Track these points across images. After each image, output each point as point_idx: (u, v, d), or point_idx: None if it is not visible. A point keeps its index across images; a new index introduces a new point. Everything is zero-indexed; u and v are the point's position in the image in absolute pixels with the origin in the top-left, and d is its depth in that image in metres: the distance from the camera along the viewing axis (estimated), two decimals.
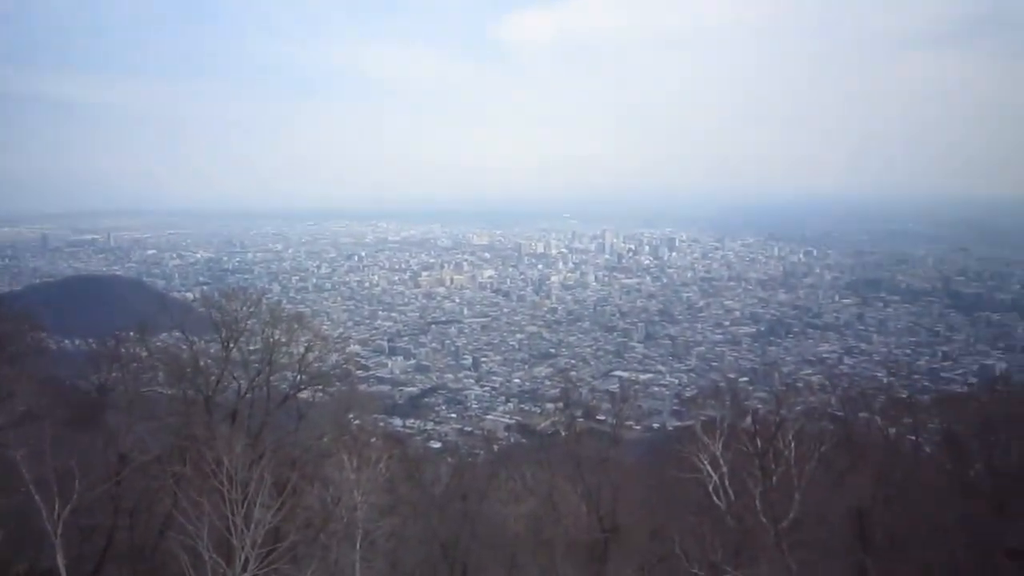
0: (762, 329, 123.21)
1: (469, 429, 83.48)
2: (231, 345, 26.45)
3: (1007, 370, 65.86)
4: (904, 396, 27.75)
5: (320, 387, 28.37)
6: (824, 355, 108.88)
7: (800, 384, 30.55)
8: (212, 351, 27.61)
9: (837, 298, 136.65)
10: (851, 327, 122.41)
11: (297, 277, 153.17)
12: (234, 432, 21.87)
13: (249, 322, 27.27)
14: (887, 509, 19.63)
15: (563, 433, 32.24)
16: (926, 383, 78.03)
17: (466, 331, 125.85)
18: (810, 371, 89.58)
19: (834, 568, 18.89)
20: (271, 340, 26.83)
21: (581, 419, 32.88)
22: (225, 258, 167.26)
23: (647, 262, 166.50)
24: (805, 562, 19.13)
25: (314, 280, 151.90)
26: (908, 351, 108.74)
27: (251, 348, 27.39)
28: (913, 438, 25.45)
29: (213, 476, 16.12)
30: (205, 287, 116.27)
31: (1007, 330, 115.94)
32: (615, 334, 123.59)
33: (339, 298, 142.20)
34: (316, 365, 27.70)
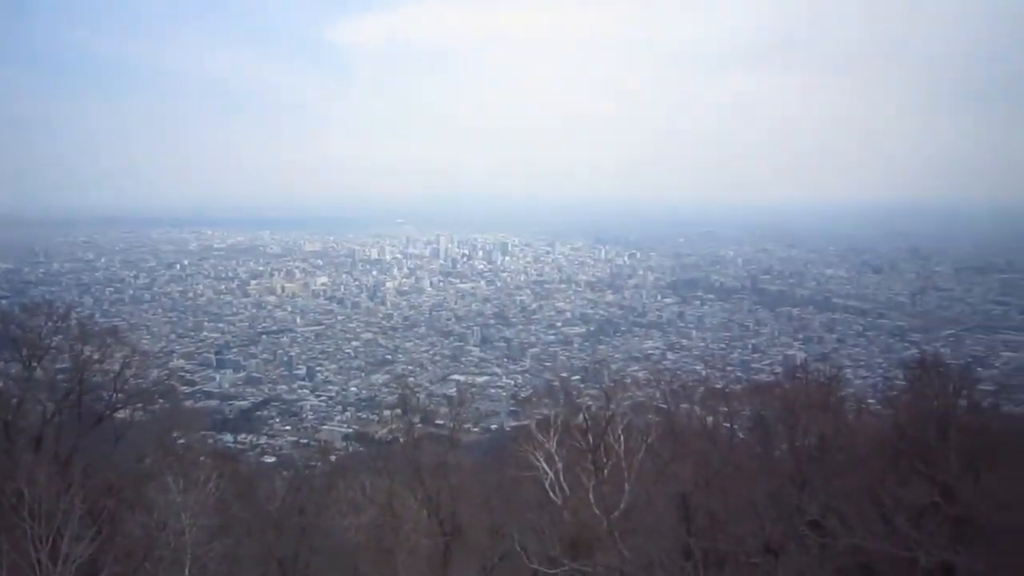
0: (592, 329, 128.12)
1: (305, 441, 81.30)
2: (34, 364, 24.26)
3: (806, 359, 72.37)
4: (720, 387, 29.83)
5: (140, 405, 26.61)
6: (649, 351, 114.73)
7: (628, 380, 32.12)
8: (12, 372, 25.19)
9: (660, 297, 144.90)
10: (673, 324, 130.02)
11: (112, 288, 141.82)
12: (39, 460, 20.03)
13: (55, 338, 25.12)
14: (707, 492, 21.04)
15: (402, 440, 32.08)
16: (739, 374, 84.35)
17: (299, 340, 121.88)
18: (637, 367, 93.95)
19: (662, 551, 20.02)
20: (81, 357, 24.84)
21: (419, 425, 32.85)
22: (27, 269, 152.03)
23: (481, 266, 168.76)
24: (636, 548, 20.18)
25: (131, 291, 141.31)
26: (723, 345, 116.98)
27: (58, 367, 25.24)
28: (728, 425, 27.47)
29: (14, 511, 14.73)
30: (2, 301, 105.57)
31: (805, 322, 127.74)
32: (451, 338, 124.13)
33: (160, 310, 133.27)
34: (134, 382, 25.98)
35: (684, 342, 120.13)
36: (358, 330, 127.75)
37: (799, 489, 20.50)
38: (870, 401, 34.16)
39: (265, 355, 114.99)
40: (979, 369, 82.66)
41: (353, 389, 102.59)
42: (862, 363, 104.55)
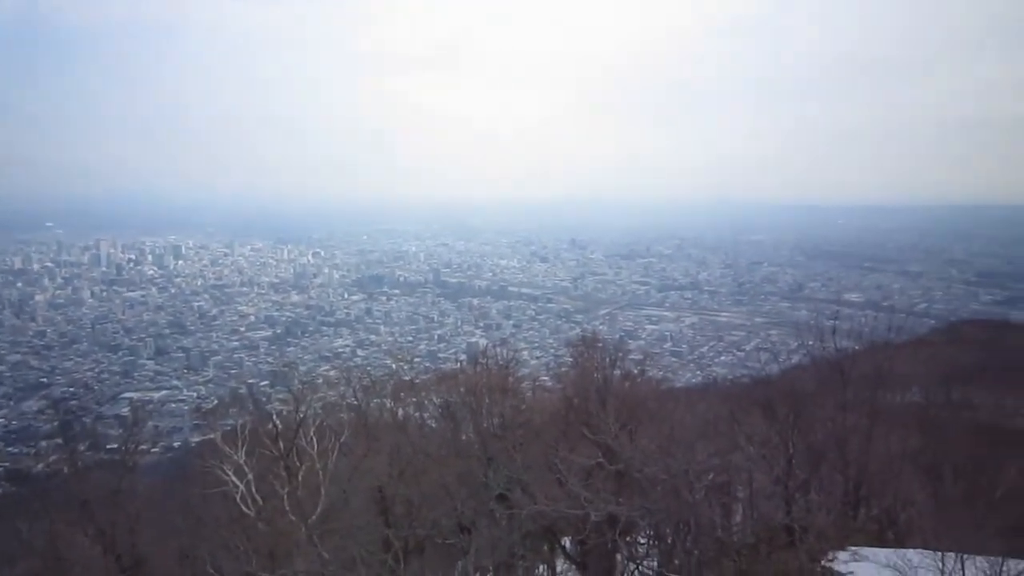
0: (279, 331, 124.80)
1: None
2: None
3: (487, 345, 77.38)
4: (409, 379, 30.68)
5: None
6: (339, 350, 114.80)
7: (319, 380, 31.75)
8: None
9: (347, 296, 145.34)
10: (361, 321, 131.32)
11: None
12: None
13: None
14: (402, 482, 21.75)
15: (65, 471, 28.52)
16: (427, 364, 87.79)
17: None
18: (327, 367, 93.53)
19: (362, 547, 20.30)
20: None
21: (87, 452, 29.44)
22: None
23: (151, 272, 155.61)
24: (337, 548, 20.22)
25: None
26: (411, 338, 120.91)
27: None
28: (418, 415, 28.54)
29: None
30: None
31: (485, 311, 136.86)
32: (121, 353, 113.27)
33: None
34: None
35: (373, 338, 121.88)
36: (2, 352, 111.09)
37: (486, 467, 22.05)
38: (544, 378, 37.51)
39: None
40: (629, 341, 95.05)
41: (0, 421, 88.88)
42: (536, 344, 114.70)
